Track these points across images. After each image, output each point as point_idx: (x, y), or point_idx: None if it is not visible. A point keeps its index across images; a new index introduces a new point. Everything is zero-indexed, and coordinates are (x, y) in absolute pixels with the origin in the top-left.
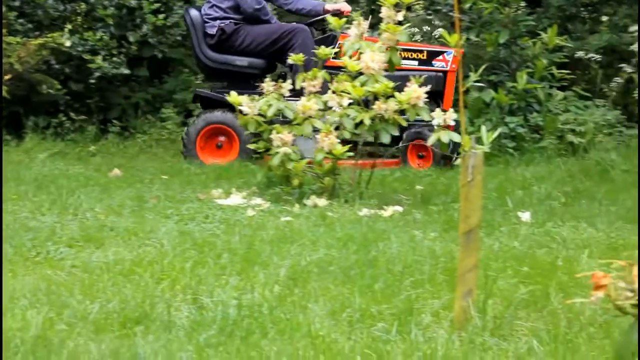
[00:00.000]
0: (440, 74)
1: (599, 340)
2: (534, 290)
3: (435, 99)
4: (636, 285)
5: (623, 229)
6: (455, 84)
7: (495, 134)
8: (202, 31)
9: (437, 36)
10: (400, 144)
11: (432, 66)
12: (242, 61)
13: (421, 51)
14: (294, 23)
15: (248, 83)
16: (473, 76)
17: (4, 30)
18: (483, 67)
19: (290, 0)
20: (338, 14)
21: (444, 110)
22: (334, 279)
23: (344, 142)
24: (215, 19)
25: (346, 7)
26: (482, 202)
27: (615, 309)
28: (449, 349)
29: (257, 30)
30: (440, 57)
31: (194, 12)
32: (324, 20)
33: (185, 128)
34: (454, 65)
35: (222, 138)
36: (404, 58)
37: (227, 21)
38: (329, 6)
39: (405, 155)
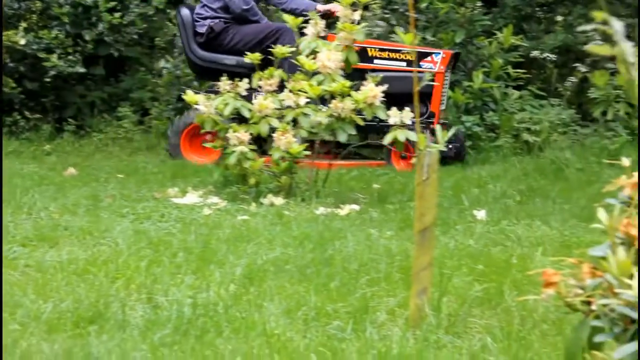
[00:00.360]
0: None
1: (551, 337)
2: (489, 288)
3: (423, 100)
4: (586, 283)
5: (576, 227)
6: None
7: (450, 132)
8: (193, 30)
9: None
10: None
11: (421, 67)
12: (230, 60)
13: (409, 52)
14: (282, 22)
15: None
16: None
17: None
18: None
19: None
20: (329, 14)
21: (432, 113)
22: (290, 277)
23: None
24: (205, 18)
25: (337, 8)
26: (437, 200)
27: (566, 306)
28: (403, 346)
29: (245, 29)
30: (429, 59)
31: (184, 11)
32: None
33: (170, 125)
34: (442, 67)
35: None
36: (392, 59)
37: (217, 20)
38: (320, 6)
39: (389, 156)
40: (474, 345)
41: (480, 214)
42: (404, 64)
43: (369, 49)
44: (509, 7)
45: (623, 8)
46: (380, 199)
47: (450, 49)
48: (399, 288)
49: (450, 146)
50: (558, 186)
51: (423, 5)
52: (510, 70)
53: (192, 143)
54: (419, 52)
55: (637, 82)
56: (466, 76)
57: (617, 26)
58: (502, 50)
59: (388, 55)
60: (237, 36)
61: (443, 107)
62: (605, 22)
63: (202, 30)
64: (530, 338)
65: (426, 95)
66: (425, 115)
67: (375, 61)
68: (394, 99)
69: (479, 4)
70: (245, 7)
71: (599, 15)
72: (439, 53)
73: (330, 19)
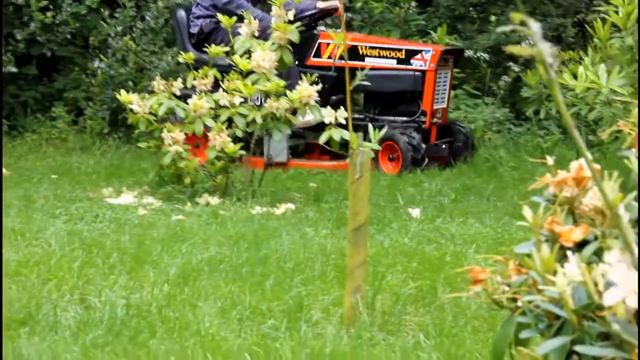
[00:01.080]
0: (419, 73)
1: (483, 334)
2: (422, 286)
3: (415, 99)
4: (512, 280)
5: (509, 225)
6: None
7: (382, 132)
8: (187, 31)
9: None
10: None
11: (411, 65)
12: (223, 60)
13: (399, 50)
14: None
15: None
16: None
17: None
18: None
19: None
20: (330, 12)
21: (424, 112)
22: (224, 277)
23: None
24: (198, 17)
25: (337, 5)
26: (373, 199)
27: (493, 303)
28: (337, 344)
29: (227, 30)
30: (419, 56)
31: (180, 13)
32: (315, 18)
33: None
34: (432, 65)
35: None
36: (382, 57)
37: (208, 20)
38: (320, 4)
39: (377, 158)
40: (407, 343)
41: (415, 212)
42: (394, 62)
43: (360, 47)
44: (443, 7)
45: (554, 8)
46: (316, 198)
47: (446, 45)
48: (334, 286)
49: (459, 144)
50: (492, 184)
51: (358, 5)
52: None
53: None
54: (408, 49)
55: (556, 82)
56: None
57: (535, 27)
58: None
59: (379, 53)
60: (227, 36)
61: (443, 105)
62: (523, 24)
63: (194, 30)
64: (463, 335)
65: (417, 94)
66: (417, 115)
67: (367, 59)
68: (384, 99)
69: (414, 3)
70: (224, 0)
71: (516, 16)
72: (429, 50)
73: (330, 16)
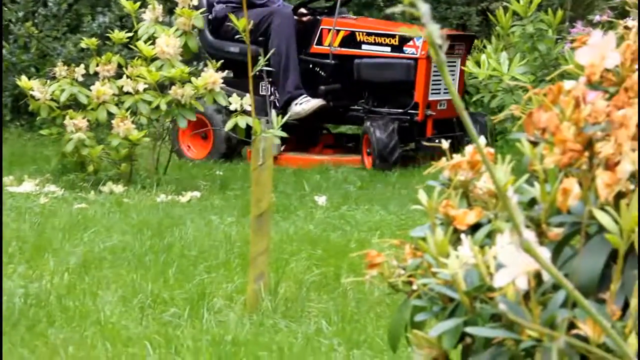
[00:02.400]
0: (411, 61)
1: (385, 319)
2: (326, 272)
3: (408, 90)
4: (408, 263)
5: (414, 212)
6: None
7: (285, 118)
8: (207, 17)
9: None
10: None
11: (403, 53)
12: (234, 47)
13: (393, 36)
14: (277, 5)
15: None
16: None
17: None
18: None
19: None
20: None
21: (416, 103)
22: (127, 265)
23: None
24: (219, 2)
25: None
26: (280, 186)
27: (389, 287)
28: (239, 331)
29: (241, 15)
30: (411, 43)
31: None
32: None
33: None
34: (423, 52)
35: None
36: (376, 44)
37: (222, 6)
38: None
39: (361, 151)
40: (309, 329)
41: (321, 200)
42: (389, 49)
43: (357, 34)
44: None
45: None
46: (222, 186)
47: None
48: (238, 274)
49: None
50: (397, 172)
51: None
52: None
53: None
54: (401, 36)
55: (445, 64)
56: None
57: (424, 8)
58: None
59: (374, 39)
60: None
61: (445, 96)
62: (412, 4)
63: (211, 16)
64: (365, 320)
65: (410, 84)
66: (409, 107)
67: (364, 47)
68: (379, 89)
69: None
70: None
71: None
72: (420, 37)
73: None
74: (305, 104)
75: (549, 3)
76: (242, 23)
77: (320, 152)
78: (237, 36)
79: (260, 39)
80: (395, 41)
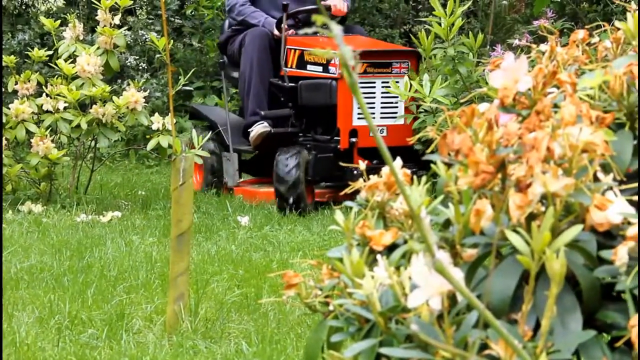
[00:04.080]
0: (334, 81)
1: (304, 340)
2: (248, 293)
3: (333, 114)
4: (325, 284)
5: (336, 232)
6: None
7: (206, 138)
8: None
9: (148, 40)
10: None
11: (328, 72)
12: (236, 72)
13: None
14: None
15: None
16: (182, 80)
17: None
18: (192, 71)
19: None
20: (327, 9)
21: (338, 130)
22: (44, 286)
23: None
24: (228, 28)
25: (336, 2)
26: (203, 207)
27: (306, 307)
28: (157, 353)
29: (238, 38)
30: (334, 61)
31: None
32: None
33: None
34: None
35: None
36: (313, 63)
37: (229, 30)
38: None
39: None
40: (229, 350)
41: (244, 220)
42: (320, 68)
43: (305, 53)
44: None
45: (382, 19)
46: (144, 205)
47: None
48: (158, 294)
49: None
50: None
51: (189, 11)
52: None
53: None
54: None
55: (357, 85)
56: None
57: (336, 30)
58: None
59: (312, 59)
60: (232, 47)
61: (384, 122)
62: (325, 26)
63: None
64: (285, 341)
65: (333, 108)
66: (333, 134)
67: (308, 67)
68: (311, 113)
69: None
70: (226, 8)
71: (318, 18)
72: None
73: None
74: (253, 132)
75: (471, 27)
76: (161, 42)
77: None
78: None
79: None
80: (323, 60)
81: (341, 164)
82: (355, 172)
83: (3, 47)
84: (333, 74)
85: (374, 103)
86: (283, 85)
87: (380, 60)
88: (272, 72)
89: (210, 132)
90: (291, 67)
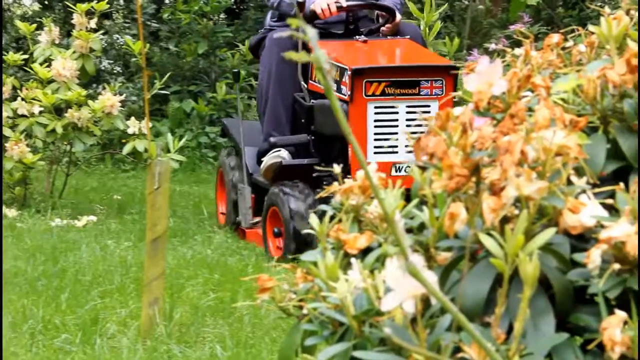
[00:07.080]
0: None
1: (279, 344)
2: (223, 297)
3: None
4: (299, 287)
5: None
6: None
7: (181, 142)
8: None
9: (123, 44)
10: None
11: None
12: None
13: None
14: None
15: None
16: (157, 84)
17: None
18: (168, 75)
19: None
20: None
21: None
22: (18, 290)
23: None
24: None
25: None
26: (179, 211)
27: (280, 311)
28: (131, 357)
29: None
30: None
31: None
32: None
33: None
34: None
35: None
36: None
37: (262, 30)
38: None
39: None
40: (204, 354)
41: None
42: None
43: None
44: (251, 20)
45: None
46: (120, 210)
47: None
48: (133, 299)
49: None
50: None
51: (165, 15)
52: (254, 82)
53: None
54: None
55: (333, 89)
56: (210, 87)
57: (311, 33)
58: (245, 62)
59: None
60: (266, 47)
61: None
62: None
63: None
64: (260, 345)
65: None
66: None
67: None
68: (325, 142)
69: (223, 15)
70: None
71: (293, 22)
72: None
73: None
74: (263, 162)
75: (448, 31)
76: (137, 46)
77: None
78: None
79: None
80: (337, 76)
81: None
82: None
83: None
84: (344, 95)
85: (396, 133)
86: (303, 104)
87: (403, 79)
88: (297, 85)
89: (229, 156)
90: (317, 81)
